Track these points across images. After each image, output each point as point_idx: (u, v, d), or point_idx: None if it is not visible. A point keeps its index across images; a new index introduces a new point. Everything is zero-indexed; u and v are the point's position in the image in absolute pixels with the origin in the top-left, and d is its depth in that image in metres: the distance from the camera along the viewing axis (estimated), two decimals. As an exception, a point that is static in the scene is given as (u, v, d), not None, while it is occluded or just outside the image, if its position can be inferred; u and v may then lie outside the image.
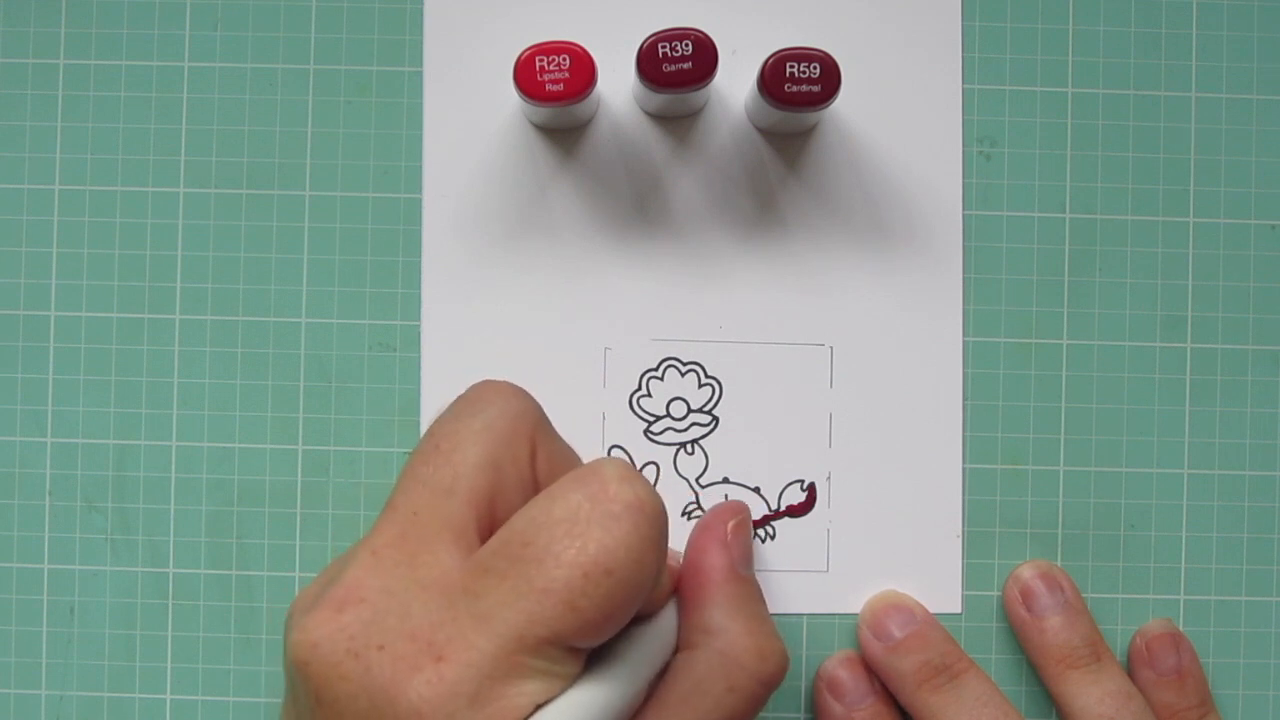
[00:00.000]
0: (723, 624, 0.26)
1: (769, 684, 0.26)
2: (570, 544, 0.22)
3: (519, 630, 0.22)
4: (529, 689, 0.22)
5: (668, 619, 0.26)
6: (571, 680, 0.23)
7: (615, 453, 0.36)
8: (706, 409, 0.36)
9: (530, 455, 0.25)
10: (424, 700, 0.21)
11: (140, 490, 0.36)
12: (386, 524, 0.24)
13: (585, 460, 0.25)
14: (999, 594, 0.36)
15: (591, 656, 0.24)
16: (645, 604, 0.25)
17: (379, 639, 0.22)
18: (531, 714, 0.22)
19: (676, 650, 0.26)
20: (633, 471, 0.24)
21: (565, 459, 0.26)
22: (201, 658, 0.35)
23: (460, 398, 0.26)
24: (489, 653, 0.22)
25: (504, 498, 0.25)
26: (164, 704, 0.35)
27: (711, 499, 0.36)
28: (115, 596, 0.36)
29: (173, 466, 0.36)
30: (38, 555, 0.36)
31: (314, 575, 0.34)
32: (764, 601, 0.28)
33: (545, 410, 0.26)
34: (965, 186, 0.36)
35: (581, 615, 0.22)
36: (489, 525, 0.24)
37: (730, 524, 0.28)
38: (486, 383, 0.26)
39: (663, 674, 0.26)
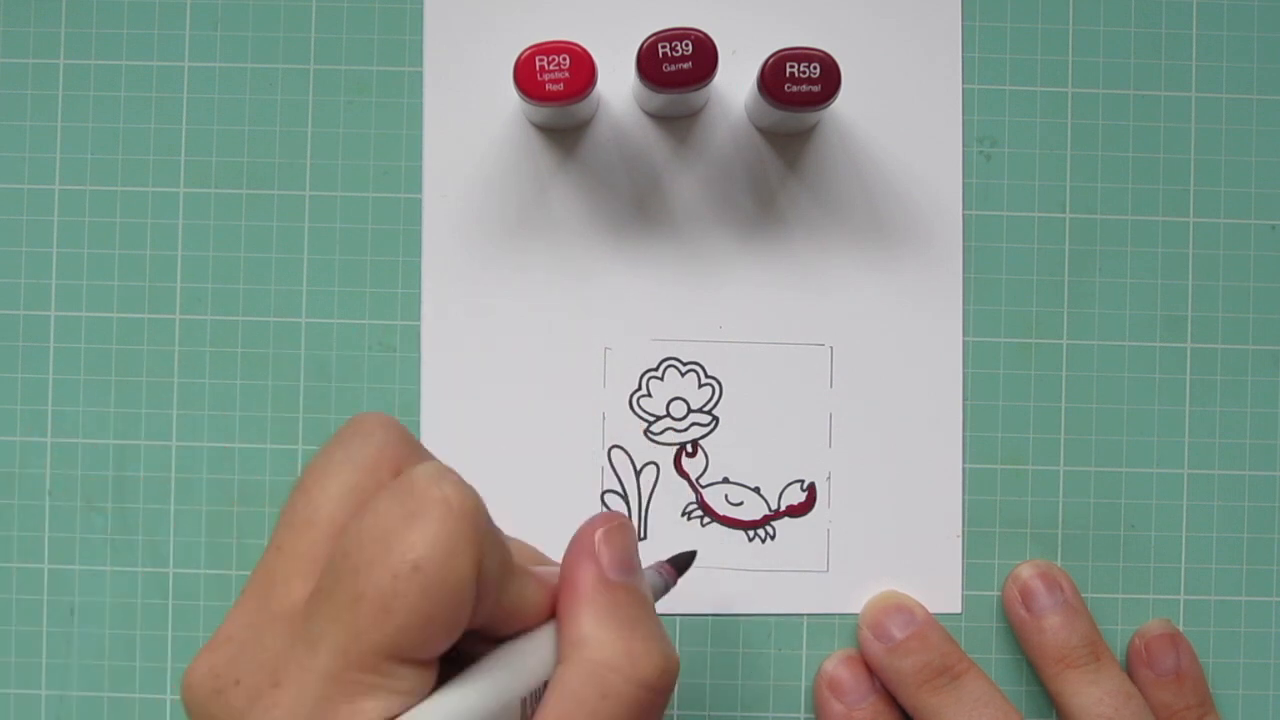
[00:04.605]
0: (590, 632, 0.25)
1: (652, 687, 0.25)
2: (378, 549, 0.22)
3: (344, 645, 0.22)
4: (368, 707, 0.22)
5: (544, 636, 0.26)
6: (420, 697, 0.22)
7: (615, 453, 0.36)
8: (706, 409, 0.36)
9: None
10: None
11: (140, 490, 0.36)
12: (259, 564, 0.24)
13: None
14: (999, 594, 0.36)
15: (453, 675, 0.23)
16: (515, 620, 0.25)
17: (236, 674, 0.22)
18: None
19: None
20: (444, 471, 0.23)
21: None
22: (201, 658, 0.35)
23: (333, 436, 0.26)
24: (320, 673, 0.22)
25: None
26: (164, 704, 0.35)
27: (712, 499, 0.36)
28: (115, 596, 0.36)
29: (173, 466, 0.36)
30: (38, 555, 0.36)
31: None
32: (645, 606, 0.26)
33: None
34: (965, 186, 0.36)
35: (395, 619, 0.22)
36: None
37: (599, 532, 0.27)
38: (357, 416, 0.26)
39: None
